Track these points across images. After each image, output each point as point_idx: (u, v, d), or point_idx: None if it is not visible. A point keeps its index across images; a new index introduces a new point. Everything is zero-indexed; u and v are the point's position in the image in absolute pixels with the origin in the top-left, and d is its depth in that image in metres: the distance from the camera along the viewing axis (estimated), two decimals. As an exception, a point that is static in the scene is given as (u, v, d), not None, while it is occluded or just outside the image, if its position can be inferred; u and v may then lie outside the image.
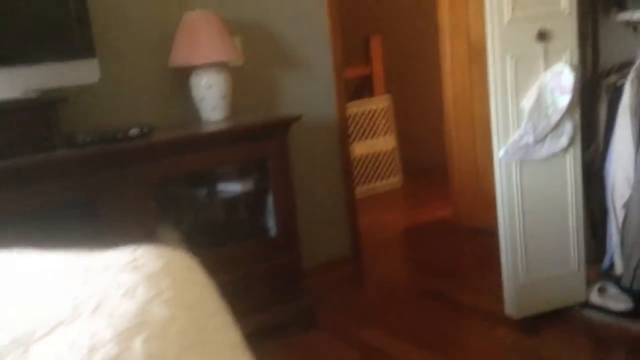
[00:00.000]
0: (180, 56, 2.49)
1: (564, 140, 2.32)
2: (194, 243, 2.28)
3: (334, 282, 3.03)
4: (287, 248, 2.53)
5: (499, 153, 2.32)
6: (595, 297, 2.44)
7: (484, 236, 3.34)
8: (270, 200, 2.54)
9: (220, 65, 2.56)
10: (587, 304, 2.45)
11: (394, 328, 2.54)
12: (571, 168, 2.37)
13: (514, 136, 2.29)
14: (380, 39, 4.79)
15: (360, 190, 4.51)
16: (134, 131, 2.21)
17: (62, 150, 2.10)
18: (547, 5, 2.24)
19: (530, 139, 2.28)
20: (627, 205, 2.36)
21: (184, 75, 2.59)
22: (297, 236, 2.57)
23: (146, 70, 2.58)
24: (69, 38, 2.16)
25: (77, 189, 2.08)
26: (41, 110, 2.10)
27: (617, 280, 2.43)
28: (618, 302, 2.40)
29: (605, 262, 2.55)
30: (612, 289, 2.44)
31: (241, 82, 2.75)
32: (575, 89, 2.26)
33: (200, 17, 2.48)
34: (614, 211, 2.43)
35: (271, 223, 2.56)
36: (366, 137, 4.69)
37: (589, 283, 2.48)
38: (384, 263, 3.29)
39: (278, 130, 2.50)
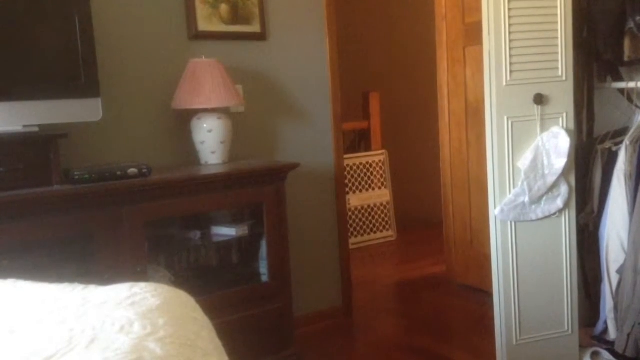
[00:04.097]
0: (183, 99, 2.53)
1: (559, 202, 2.34)
2: (184, 285, 2.24)
3: (324, 333, 2.98)
4: (278, 295, 2.50)
5: (495, 211, 2.33)
6: (588, 362, 2.41)
7: (477, 294, 3.32)
8: (263, 246, 2.52)
9: (222, 111, 2.60)
10: (579, 369, 2.42)
11: (383, 385, 2.49)
12: (566, 230, 2.38)
13: (509, 195, 2.31)
14: (378, 95, 4.89)
15: (354, 242, 4.51)
16: (132, 170, 2.22)
17: (59, 186, 2.10)
18: (545, 71, 2.30)
19: (525, 199, 2.30)
20: (621, 270, 2.36)
21: (185, 118, 2.62)
22: (289, 284, 2.55)
23: (148, 111, 2.61)
24: (75, 77, 2.19)
25: (72, 225, 2.06)
26: (41, 145, 2.11)
27: (610, 345, 2.41)
28: (611, 368, 2.37)
29: (599, 327, 2.53)
30: (605, 354, 2.41)
31: (242, 128, 2.79)
32: (571, 153, 2.30)
33: (205, 63, 2.54)
34: (608, 275, 2.43)
35: (264, 269, 2.54)
36: (362, 190, 4.72)
37: (582, 346, 2.45)
38: (375, 316, 3.24)
39: (275, 177, 2.51)
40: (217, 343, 1.02)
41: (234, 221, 2.59)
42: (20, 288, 1.18)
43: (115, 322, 0.92)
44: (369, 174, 4.78)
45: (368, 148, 4.90)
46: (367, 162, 4.77)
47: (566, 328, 2.41)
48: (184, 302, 1.10)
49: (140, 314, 0.95)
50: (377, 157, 4.82)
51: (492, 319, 2.41)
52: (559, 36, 2.28)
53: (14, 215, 1.95)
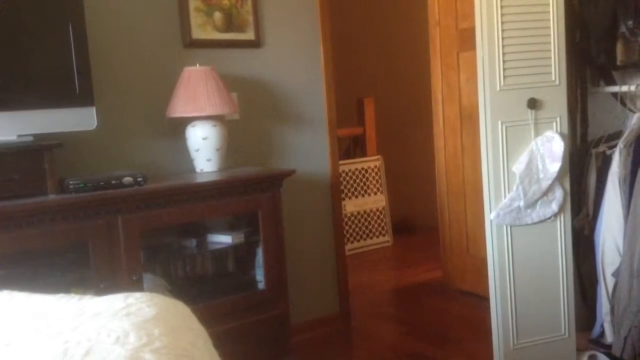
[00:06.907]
0: (178, 107, 2.53)
1: (554, 206, 2.35)
2: (181, 294, 2.24)
3: (321, 340, 2.97)
4: (275, 303, 2.50)
5: (490, 216, 2.34)
6: (585, 366, 2.41)
7: (474, 299, 3.32)
8: (260, 253, 2.52)
9: (217, 118, 2.60)
10: (577, 373, 2.42)
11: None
12: (561, 234, 2.38)
13: (505, 200, 2.32)
14: (373, 100, 4.90)
15: (350, 248, 4.50)
16: (128, 179, 2.21)
17: (54, 195, 2.09)
18: (538, 75, 2.31)
19: (521, 203, 2.31)
20: (616, 274, 2.37)
21: (180, 126, 2.62)
22: (286, 291, 2.54)
23: (143, 119, 2.61)
24: (70, 86, 2.19)
25: (67, 234, 2.06)
26: (36, 154, 2.10)
27: (607, 349, 2.41)
28: (609, 371, 2.37)
29: (596, 330, 2.53)
30: (602, 358, 2.41)
31: (237, 135, 2.79)
32: (565, 157, 2.30)
33: (199, 71, 2.54)
34: (604, 279, 2.44)
35: (260, 277, 2.53)
36: (357, 195, 4.73)
37: (579, 350, 2.45)
38: (372, 323, 3.24)
39: (271, 184, 2.51)
40: (212, 352, 1.01)
41: (230, 229, 2.59)
42: (15, 299, 1.17)
43: (111, 333, 0.92)
44: (364, 179, 4.78)
45: (363, 154, 4.90)
46: (363, 168, 4.78)
47: (563, 332, 2.42)
48: (179, 312, 1.10)
49: (135, 325, 0.95)
50: (372, 162, 4.82)
51: (489, 323, 2.41)
52: (552, 41, 2.29)
53: (9, 225, 1.95)
